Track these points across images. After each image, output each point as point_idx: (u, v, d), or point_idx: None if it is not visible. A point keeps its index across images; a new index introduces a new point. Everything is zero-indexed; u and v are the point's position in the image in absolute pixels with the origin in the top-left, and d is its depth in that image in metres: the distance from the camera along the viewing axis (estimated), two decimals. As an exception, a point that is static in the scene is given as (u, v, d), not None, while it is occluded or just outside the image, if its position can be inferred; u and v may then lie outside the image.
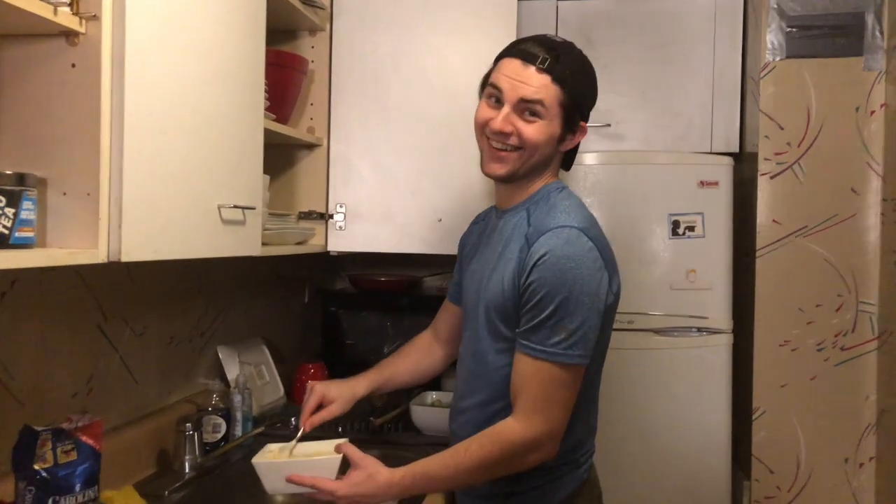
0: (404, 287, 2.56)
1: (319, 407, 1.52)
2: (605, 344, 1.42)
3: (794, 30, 2.36)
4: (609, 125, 2.55)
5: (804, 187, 2.36)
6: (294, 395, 2.22)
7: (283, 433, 1.85)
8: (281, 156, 2.02)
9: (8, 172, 0.99)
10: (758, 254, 2.39)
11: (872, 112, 2.32)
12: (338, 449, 1.35)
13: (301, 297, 2.56)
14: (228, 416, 1.80)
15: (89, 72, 1.06)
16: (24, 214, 0.99)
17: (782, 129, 2.37)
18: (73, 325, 1.46)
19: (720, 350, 2.38)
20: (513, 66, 1.35)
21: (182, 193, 1.26)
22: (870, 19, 2.33)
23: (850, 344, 2.34)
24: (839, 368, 2.35)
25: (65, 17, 1.02)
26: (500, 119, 1.35)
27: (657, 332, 2.38)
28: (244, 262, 1.76)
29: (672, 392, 2.37)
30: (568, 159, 1.48)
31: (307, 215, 2.04)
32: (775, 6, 2.36)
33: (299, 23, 2.02)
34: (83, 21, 1.05)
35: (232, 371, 1.95)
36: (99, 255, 1.07)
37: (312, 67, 2.05)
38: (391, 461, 1.35)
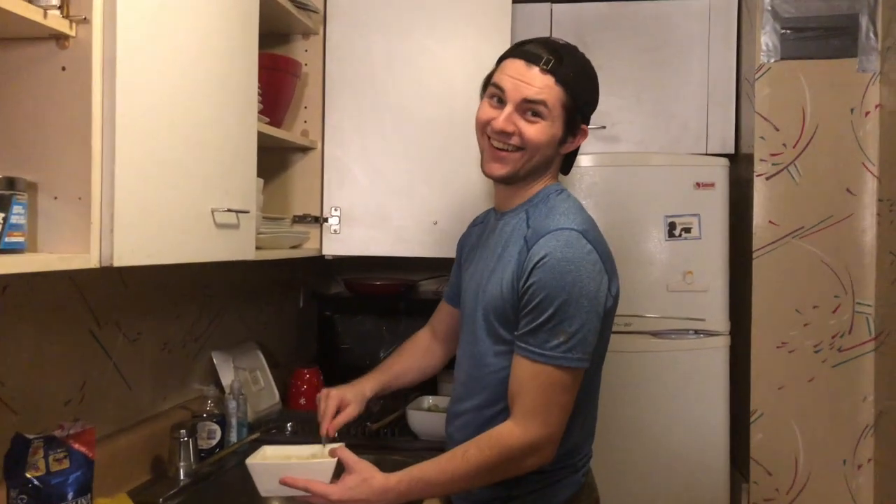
0: (400, 291, 2.55)
1: (337, 412, 1.53)
2: (604, 347, 1.41)
3: (788, 31, 2.37)
4: (604, 127, 2.55)
5: (800, 188, 2.36)
6: (289, 400, 2.21)
7: (279, 439, 1.84)
8: (275, 159, 2.01)
9: (-3, 176, 0.98)
10: (754, 255, 2.38)
11: (867, 113, 2.32)
12: (332, 453, 1.34)
13: (296, 301, 2.54)
14: (223, 423, 1.78)
15: (80, 75, 1.05)
16: (14, 219, 0.98)
17: (778, 130, 2.37)
18: (65, 331, 1.44)
19: (717, 352, 2.37)
20: (516, 66, 1.35)
21: (175, 197, 1.25)
22: (864, 21, 2.33)
23: (847, 345, 2.34)
24: (837, 370, 2.34)
25: (55, 21, 1.01)
26: (503, 119, 1.35)
27: (654, 334, 2.37)
28: (238, 267, 1.76)
29: (669, 395, 2.36)
30: (567, 163, 1.47)
31: (301, 219, 2.03)
32: (769, 8, 2.37)
33: (293, 26, 2.01)
34: (73, 24, 1.04)
35: (227, 376, 1.94)
36: (91, 260, 1.06)
37: (306, 71, 2.04)
38: (387, 466, 1.34)
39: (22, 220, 0.99)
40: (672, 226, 2.37)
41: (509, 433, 1.29)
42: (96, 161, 1.06)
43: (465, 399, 1.44)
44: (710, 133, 2.56)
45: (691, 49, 2.56)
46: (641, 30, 2.58)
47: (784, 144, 2.37)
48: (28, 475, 1.19)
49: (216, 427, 1.76)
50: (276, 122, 1.86)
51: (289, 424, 1.95)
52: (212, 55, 1.37)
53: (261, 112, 1.67)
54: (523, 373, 1.29)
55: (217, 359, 1.95)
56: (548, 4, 2.62)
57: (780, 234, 2.37)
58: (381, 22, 2.02)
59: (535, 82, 1.33)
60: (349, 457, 1.32)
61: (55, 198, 1.05)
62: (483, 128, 1.39)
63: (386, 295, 2.53)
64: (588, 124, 1.42)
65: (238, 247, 1.50)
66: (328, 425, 1.48)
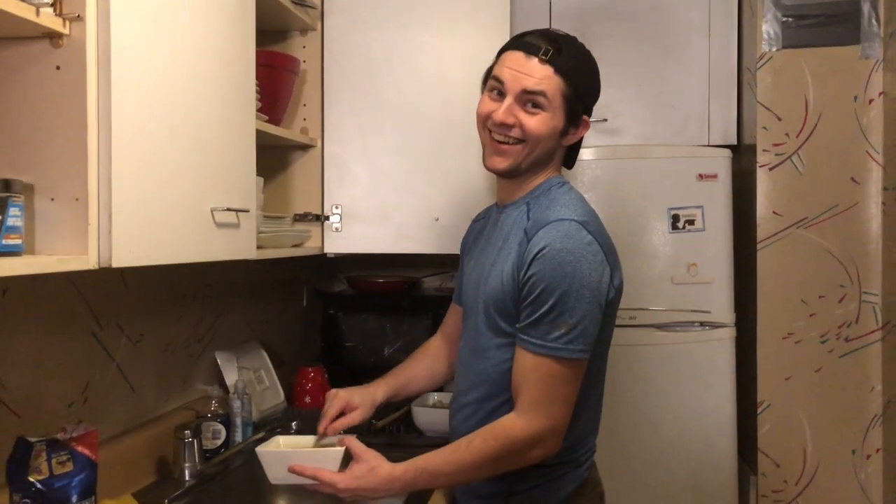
0: (403, 288, 2.54)
1: (340, 414, 1.50)
2: (607, 340, 1.40)
3: (789, 19, 2.35)
4: (606, 120, 2.54)
5: (804, 178, 2.34)
6: (294, 399, 2.20)
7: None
8: (274, 157, 2.00)
9: (-7, 178, 0.97)
10: (759, 246, 2.37)
11: (871, 100, 2.31)
12: (341, 442, 1.35)
13: (299, 300, 2.54)
14: (228, 422, 1.78)
15: (75, 74, 1.04)
16: (10, 221, 0.97)
17: (780, 119, 2.35)
18: (67, 333, 1.44)
19: (723, 344, 2.36)
20: (515, 57, 1.35)
21: (173, 197, 1.24)
22: (866, 7, 2.31)
23: (854, 335, 2.33)
24: (844, 360, 2.33)
25: (48, 19, 1.00)
26: (503, 110, 1.34)
27: (659, 327, 2.36)
28: (240, 266, 1.75)
29: (676, 388, 2.35)
30: (570, 156, 1.46)
31: (302, 217, 2.02)
32: (770, -4, 2.35)
33: (290, 23, 2.00)
34: (67, 22, 1.03)
35: (231, 376, 1.93)
36: (89, 262, 1.05)
37: (304, 67, 2.03)
38: (393, 462, 1.33)
39: (19, 223, 0.98)
40: (675, 218, 2.36)
41: (512, 425, 1.28)
42: (93, 161, 1.05)
43: (468, 392, 1.43)
44: (712, 124, 2.54)
45: (692, 39, 2.54)
46: (641, 21, 2.56)
47: (787, 134, 2.35)
48: (31, 479, 1.19)
49: (221, 427, 1.75)
50: (275, 120, 1.85)
51: (294, 423, 1.95)
52: (209, 52, 1.36)
53: (259, 110, 1.66)
54: (525, 365, 1.29)
55: (221, 359, 1.95)
56: (547, -4, 2.61)
57: (784, 225, 2.36)
58: (380, 17, 2.01)
59: (535, 73, 1.32)
60: (357, 446, 1.32)
61: (52, 199, 1.04)
62: (484, 121, 1.39)
63: (389, 292, 2.52)
64: (590, 115, 1.41)
65: (239, 246, 1.49)
66: (326, 425, 1.47)
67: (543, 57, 1.32)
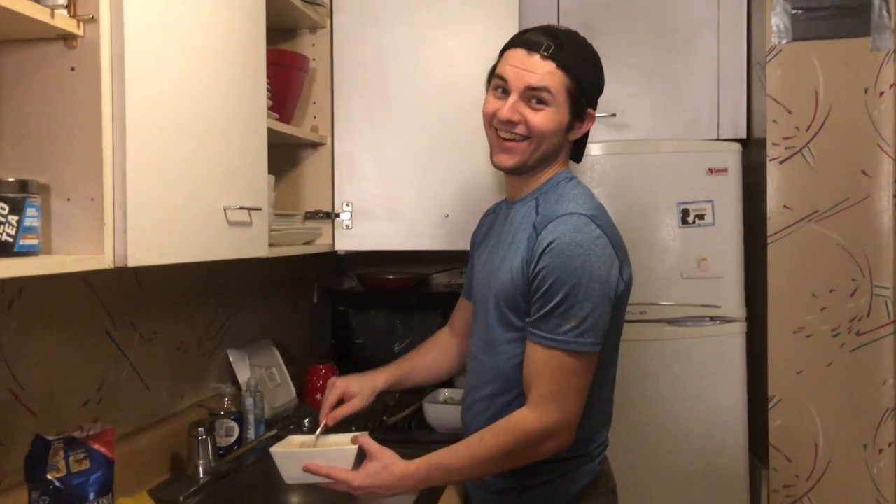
0: (413, 285, 2.55)
1: (340, 402, 1.52)
2: (617, 335, 1.40)
3: (799, 12, 2.34)
4: (615, 115, 2.53)
5: (814, 171, 2.33)
6: (306, 396, 2.21)
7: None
8: (285, 155, 2.01)
9: (10, 179, 0.97)
10: (769, 240, 2.36)
11: (882, 93, 2.29)
12: (354, 440, 1.36)
13: (310, 297, 2.55)
14: (241, 420, 1.79)
15: (89, 75, 1.04)
16: (27, 222, 0.98)
17: (790, 113, 2.34)
18: (82, 332, 1.45)
19: (734, 338, 2.36)
20: (517, 55, 1.36)
21: (187, 196, 1.25)
22: (876, -1, 2.30)
23: (865, 329, 2.32)
24: (855, 354, 2.32)
25: (62, 20, 1.01)
26: (507, 108, 1.35)
27: (670, 322, 2.36)
28: (252, 264, 1.75)
29: (686, 383, 2.35)
30: (578, 150, 1.47)
31: (313, 215, 2.03)
32: (779, -11, 2.34)
33: (299, 21, 2.00)
34: (81, 24, 1.03)
35: (243, 374, 1.94)
36: (105, 261, 1.06)
37: (314, 65, 2.04)
38: (405, 459, 1.34)
39: (36, 223, 0.99)
40: (685, 212, 2.35)
41: (525, 419, 1.29)
42: (108, 161, 1.06)
43: (480, 388, 1.43)
44: (721, 118, 2.53)
45: (701, 33, 2.53)
46: (649, 15, 2.55)
47: (797, 127, 2.34)
48: (49, 476, 1.20)
49: (234, 424, 1.76)
50: (285, 118, 1.86)
51: (306, 420, 1.95)
52: (220, 52, 1.36)
53: (270, 108, 1.66)
54: (537, 359, 1.29)
55: (233, 356, 1.96)
56: (555, -8, 2.60)
57: (794, 219, 2.35)
58: (389, 14, 2.01)
59: (537, 69, 1.33)
60: (371, 444, 1.33)
61: (68, 199, 1.05)
62: (490, 120, 1.40)
63: (399, 289, 2.53)
64: (595, 109, 1.41)
65: (251, 244, 1.49)
66: (326, 413, 1.48)
67: (545, 53, 1.33)
